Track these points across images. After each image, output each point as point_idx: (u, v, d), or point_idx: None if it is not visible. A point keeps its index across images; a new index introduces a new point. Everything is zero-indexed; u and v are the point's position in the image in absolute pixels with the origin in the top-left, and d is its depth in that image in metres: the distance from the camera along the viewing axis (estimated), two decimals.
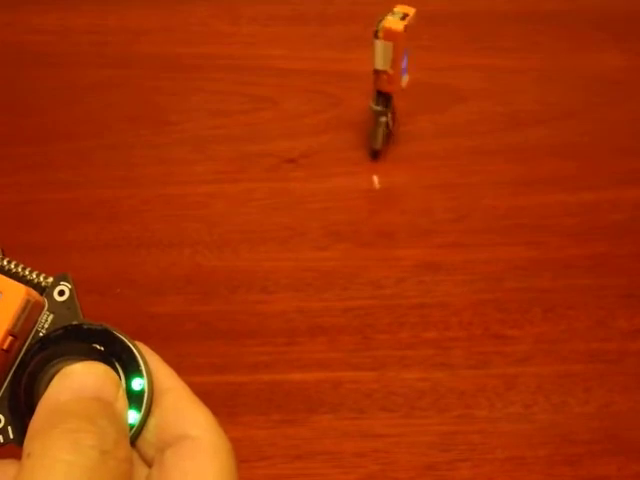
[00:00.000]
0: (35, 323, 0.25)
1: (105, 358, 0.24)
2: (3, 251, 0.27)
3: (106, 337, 0.25)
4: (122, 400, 0.22)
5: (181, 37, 0.67)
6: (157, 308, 0.48)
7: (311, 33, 0.67)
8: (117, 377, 0.23)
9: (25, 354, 0.24)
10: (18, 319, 0.24)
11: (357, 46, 0.66)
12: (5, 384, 0.24)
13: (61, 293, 0.25)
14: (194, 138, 0.59)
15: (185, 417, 0.24)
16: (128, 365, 0.24)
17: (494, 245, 0.52)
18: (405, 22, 0.49)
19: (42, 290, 0.26)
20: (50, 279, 0.26)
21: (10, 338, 0.23)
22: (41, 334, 0.25)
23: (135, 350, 0.25)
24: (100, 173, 0.57)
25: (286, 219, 0.53)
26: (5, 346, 0.23)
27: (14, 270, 0.26)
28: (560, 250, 0.51)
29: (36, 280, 0.26)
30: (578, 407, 0.44)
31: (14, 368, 0.24)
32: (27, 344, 0.25)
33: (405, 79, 0.52)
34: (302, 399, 0.44)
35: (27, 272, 0.26)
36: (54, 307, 0.25)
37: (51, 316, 0.25)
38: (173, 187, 0.56)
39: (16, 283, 0.24)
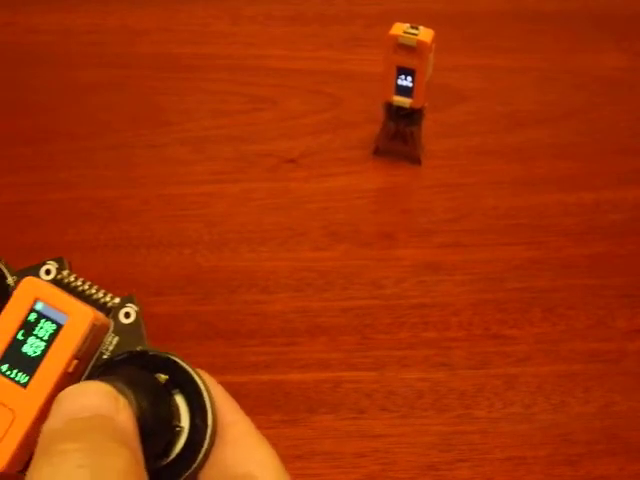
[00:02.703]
0: (100, 344, 0.24)
1: (168, 389, 0.23)
2: (70, 265, 0.26)
3: (170, 366, 0.24)
4: (124, 413, 0.21)
5: (181, 37, 0.67)
6: (157, 308, 0.48)
7: (311, 33, 0.67)
8: (114, 390, 0.21)
9: (88, 377, 0.24)
10: (84, 343, 0.23)
11: (357, 46, 0.66)
12: None
13: (127, 315, 0.25)
14: (194, 138, 0.59)
15: (249, 455, 0.23)
16: (192, 397, 0.24)
17: (494, 245, 0.52)
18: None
19: (108, 310, 0.25)
20: (117, 300, 0.25)
21: (75, 362, 0.23)
22: (105, 356, 0.24)
23: (199, 382, 0.24)
24: (100, 173, 0.57)
25: (286, 219, 0.53)
26: (70, 369, 0.23)
27: (80, 288, 0.25)
28: (560, 250, 0.51)
29: (102, 300, 0.25)
30: (578, 407, 0.44)
31: None
32: (91, 366, 0.24)
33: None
34: (302, 399, 0.44)
35: (94, 290, 0.25)
36: (119, 329, 0.25)
37: (116, 338, 0.25)
38: (173, 187, 0.56)
39: (84, 306, 0.24)
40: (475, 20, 0.68)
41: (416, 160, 0.56)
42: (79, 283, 0.26)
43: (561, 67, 0.64)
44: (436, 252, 0.51)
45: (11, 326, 0.24)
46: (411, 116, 0.54)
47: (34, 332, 0.23)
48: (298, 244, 0.52)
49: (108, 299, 0.25)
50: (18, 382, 0.23)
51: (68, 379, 0.23)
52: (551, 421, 0.43)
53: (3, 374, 0.23)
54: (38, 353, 0.23)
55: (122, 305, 0.25)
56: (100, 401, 0.21)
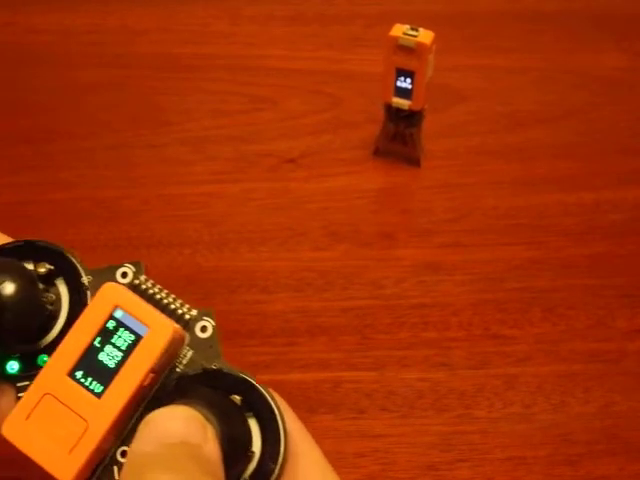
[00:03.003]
0: (175, 357, 0.24)
1: (242, 412, 0.23)
2: (147, 269, 0.25)
3: (246, 387, 0.23)
4: (211, 442, 0.20)
5: (181, 37, 0.67)
6: None
7: (311, 33, 0.67)
8: (203, 419, 0.21)
9: (160, 389, 0.23)
10: (162, 357, 0.23)
11: (357, 46, 0.66)
12: (135, 417, 0.23)
13: (203, 329, 0.24)
14: (194, 138, 0.59)
15: None
16: (265, 422, 0.23)
17: (494, 245, 0.52)
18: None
19: (184, 322, 0.24)
20: (194, 312, 0.24)
21: (151, 375, 0.23)
22: (178, 369, 0.24)
23: (275, 407, 0.23)
24: (100, 173, 0.57)
25: (286, 219, 0.53)
26: (146, 383, 0.22)
27: (158, 296, 0.25)
28: (560, 250, 0.51)
29: (179, 311, 0.24)
30: (578, 407, 0.44)
31: (147, 401, 0.23)
32: (163, 377, 0.23)
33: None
34: (302, 399, 0.44)
35: (170, 299, 0.25)
36: (195, 343, 0.24)
37: (190, 352, 0.24)
38: (173, 187, 0.56)
39: (164, 319, 0.23)
40: (475, 20, 0.68)
41: (416, 162, 0.56)
42: (156, 290, 0.25)
43: (561, 67, 0.64)
44: (436, 252, 0.51)
45: (89, 331, 0.23)
46: (411, 118, 0.54)
47: (112, 340, 0.23)
48: (298, 244, 0.52)
49: (185, 310, 0.24)
50: (92, 391, 0.22)
51: (142, 391, 0.23)
52: (551, 421, 0.43)
53: (77, 381, 0.22)
54: (115, 363, 0.22)
55: (199, 318, 0.24)
56: (189, 428, 0.20)
